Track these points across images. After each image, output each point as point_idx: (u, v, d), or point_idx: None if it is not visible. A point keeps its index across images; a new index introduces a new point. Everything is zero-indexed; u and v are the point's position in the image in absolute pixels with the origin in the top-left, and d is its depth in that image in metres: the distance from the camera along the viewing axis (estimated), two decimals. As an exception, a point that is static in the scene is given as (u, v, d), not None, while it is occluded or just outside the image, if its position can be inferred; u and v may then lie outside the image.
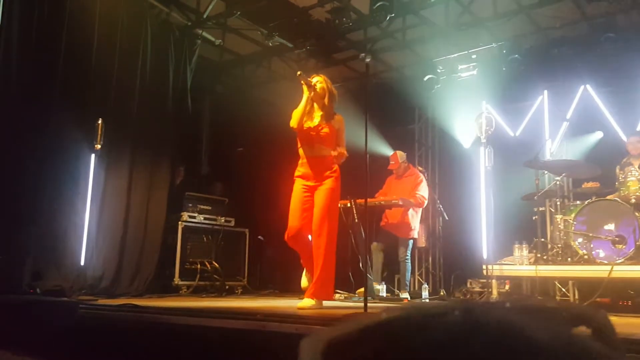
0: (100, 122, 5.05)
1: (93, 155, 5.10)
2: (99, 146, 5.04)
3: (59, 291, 4.54)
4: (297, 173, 4.16)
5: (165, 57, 6.10)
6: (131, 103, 5.70)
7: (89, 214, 5.12)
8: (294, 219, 4.05)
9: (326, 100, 4.06)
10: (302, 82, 3.99)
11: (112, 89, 5.53)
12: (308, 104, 4.01)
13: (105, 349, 3.29)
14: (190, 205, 6.21)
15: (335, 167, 4.09)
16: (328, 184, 4.03)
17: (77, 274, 4.92)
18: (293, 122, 4.03)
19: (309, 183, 4.07)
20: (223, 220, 6.46)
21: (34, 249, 4.68)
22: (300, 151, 4.15)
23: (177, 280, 5.77)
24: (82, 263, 4.95)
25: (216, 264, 6.04)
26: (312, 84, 4.03)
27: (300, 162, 4.16)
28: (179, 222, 5.98)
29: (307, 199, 4.06)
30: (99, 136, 5.01)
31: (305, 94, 4.00)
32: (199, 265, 5.93)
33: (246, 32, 6.72)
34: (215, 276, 5.97)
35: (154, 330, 3.18)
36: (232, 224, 6.61)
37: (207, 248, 6.20)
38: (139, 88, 5.77)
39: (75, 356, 3.33)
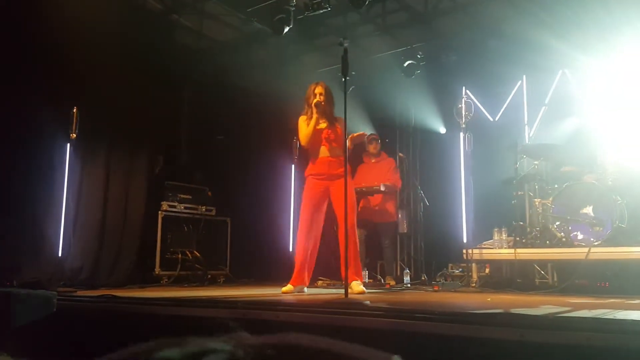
0: (75, 110, 4.96)
1: (68, 145, 5.01)
2: (74, 135, 4.96)
3: (36, 283, 4.47)
4: (310, 172, 4.48)
5: (141, 43, 5.98)
6: (107, 91, 5.59)
7: (66, 204, 5.03)
8: (308, 216, 4.38)
9: (330, 107, 4.45)
10: (316, 110, 4.34)
11: (87, 77, 5.41)
12: (317, 123, 4.35)
13: (84, 341, 3.24)
14: (170, 194, 6.14)
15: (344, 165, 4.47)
16: (342, 182, 4.34)
17: (55, 266, 4.86)
18: (304, 142, 4.46)
19: (324, 181, 4.40)
20: (204, 210, 6.41)
21: (10, 241, 4.60)
22: (314, 154, 4.47)
23: (157, 270, 5.72)
24: (59, 254, 4.88)
25: (197, 254, 6.00)
26: (319, 102, 4.36)
27: (313, 161, 4.48)
28: (159, 212, 5.91)
29: (323, 196, 4.41)
30: (74, 125, 4.92)
31: (314, 116, 4.34)
32: (180, 255, 5.89)
33: (224, 17, 6.62)
34: (197, 266, 5.93)
35: (133, 321, 3.14)
36: (213, 212, 6.56)
37: (188, 237, 6.15)
38: (115, 75, 5.65)
39: (54, 349, 3.28)
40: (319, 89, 4.42)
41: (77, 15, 5.23)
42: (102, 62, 5.52)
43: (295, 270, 4.42)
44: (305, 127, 4.41)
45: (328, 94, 4.46)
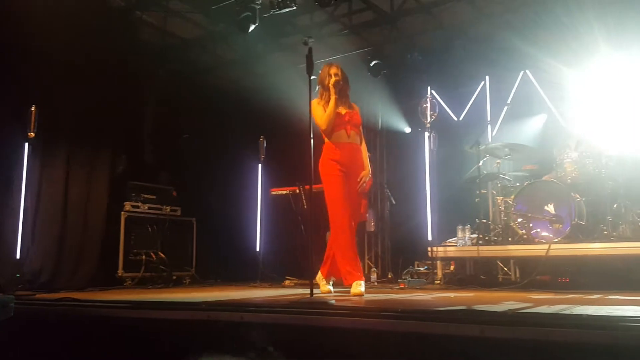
0: (33, 108, 4.84)
1: (27, 144, 4.88)
2: (33, 134, 4.85)
3: (-6, 287, 4.33)
4: (331, 157, 4.05)
5: (104, 40, 5.85)
6: (67, 89, 5.46)
7: (24, 205, 4.90)
8: (346, 206, 3.97)
9: (347, 90, 4.18)
10: (334, 90, 4.03)
11: (46, 74, 5.27)
12: (337, 104, 4.05)
13: (44, 346, 3.16)
14: (133, 194, 6.02)
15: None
16: (362, 170, 4.13)
17: (13, 269, 4.72)
18: (325, 125, 4.02)
19: (344, 169, 4.04)
20: (169, 210, 6.31)
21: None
22: (334, 137, 4.09)
23: (121, 272, 5.60)
24: (17, 257, 4.74)
25: (162, 255, 5.90)
26: (338, 81, 4.07)
27: (333, 146, 4.08)
28: (122, 212, 5.79)
29: (347, 183, 4.04)
30: (32, 124, 4.81)
31: (333, 96, 4.03)
32: (144, 256, 5.78)
33: (189, 15, 6.53)
34: (161, 267, 5.84)
35: (94, 325, 3.07)
36: (179, 213, 6.47)
37: (153, 238, 6.04)
38: (76, 72, 5.53)
39: (11, 354, 3.18)
40: (333, 70, 4.13)
41: (36, 11, 5.09)
42: (63, 59, 5.39)
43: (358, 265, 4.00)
44: (322, 110, 4.05)
45: (344, 76, 4.16)
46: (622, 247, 4.40)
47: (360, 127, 4.22)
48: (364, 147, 4.24)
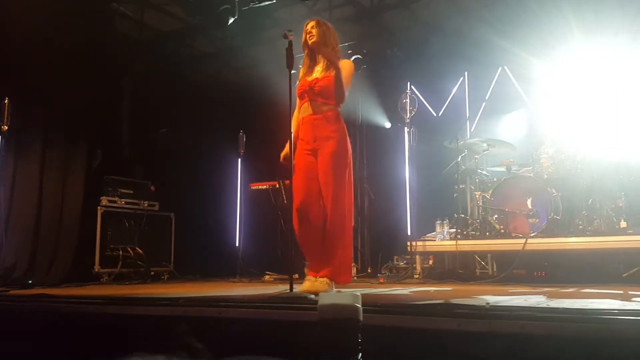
0: (6, 101, 4.75)
1: (0, 137, 4.77)
2: (6, 127, 4.76)
3: (-35, 283, 4.24)
4: (296, 136, 3.57)
5: (80, 32, 5.74)
6: (42, 81, 5.34)
7: (-3, 200, 4.81)
8: (299, 192, 3.41)
9: (328, 44, 3.53)
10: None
11: (20, 66, 5.16)
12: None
13: (17, 343, 3.10)
14: (110, 189, 5.94)
15: (339, 124, 3.53)
16: (330, 147, 3.43)
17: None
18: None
19: (309, 146, 3.50)
20: (146, 205, 6.24)
21: None
22: (301, 111, 3.63)
23: (97, 267, 5.53)
24: (-10, 253, 4.65)
25: (139, 250, 5.83)
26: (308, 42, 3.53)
27: (299, 123, 3.62)
28: (98, 207, 5.71)
29: (312, 166, 3.47)
30: (5, 117, 4.71)
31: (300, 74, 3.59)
32: (121, 252, 5.71)
33: (166, 6, 6.45)
34: (139, 262, 5.77)
35: (68, 321, 3.02)
36: (157, 208, 6.40)
37: (130, 233, 5.97)
38: (51, 65, 5.41)
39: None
40: (310, 25, 3.53)
41: (9, 2, 4.97)
42: (37, 51, 5.27)
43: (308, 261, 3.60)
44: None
45: (321, 31, 3.50)
46: (597, 241, 4.48)
47: (329, 87, 3.49)
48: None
